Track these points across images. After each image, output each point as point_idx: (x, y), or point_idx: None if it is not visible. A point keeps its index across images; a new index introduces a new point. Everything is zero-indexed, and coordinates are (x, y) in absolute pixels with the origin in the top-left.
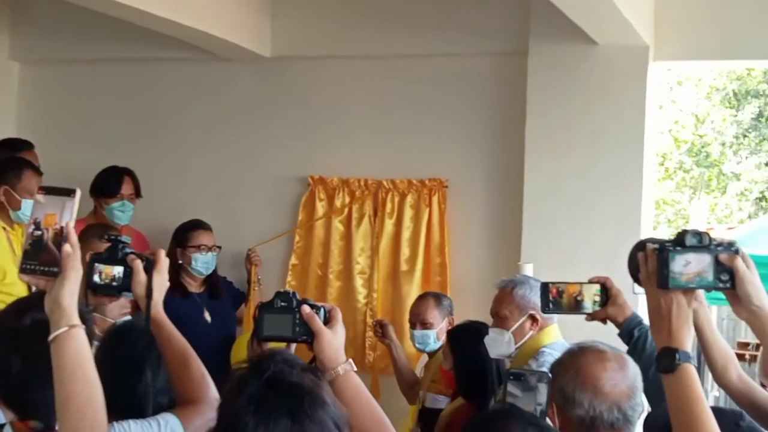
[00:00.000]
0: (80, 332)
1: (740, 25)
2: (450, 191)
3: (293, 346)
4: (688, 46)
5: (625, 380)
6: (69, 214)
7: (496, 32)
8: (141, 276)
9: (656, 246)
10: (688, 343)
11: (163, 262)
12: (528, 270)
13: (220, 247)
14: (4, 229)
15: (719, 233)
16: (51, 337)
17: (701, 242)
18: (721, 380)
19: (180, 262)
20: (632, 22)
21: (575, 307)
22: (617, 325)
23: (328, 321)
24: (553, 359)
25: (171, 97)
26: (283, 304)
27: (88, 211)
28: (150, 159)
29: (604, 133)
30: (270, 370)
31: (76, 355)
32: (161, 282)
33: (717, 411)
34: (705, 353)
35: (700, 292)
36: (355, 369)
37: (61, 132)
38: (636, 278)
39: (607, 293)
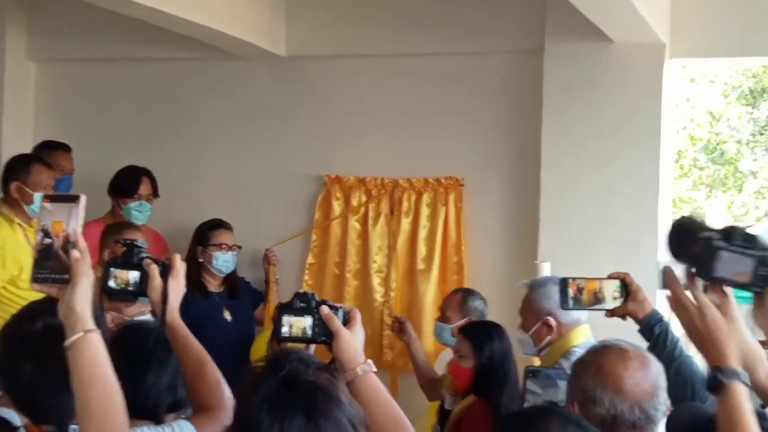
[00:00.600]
0: (96, 336)
1: (756, 22)
2: (466, 190)
3: (312, 346)
4: (704, 43)
5: (647, 379)
6: (75, 220)
7: (512, 30)
8: (157, 281)
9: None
10: (733, 356)
11: (180, 268)
12: (545, 268)
13: (240, 247)
14: (20, 226)
15: None
16: (67, 342)
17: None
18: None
19: (201, 260)
20: (648, 19)
21: (595, 303)
22: (637, 321)
23: (347, 322)
24: None
25: (187, 96)
26: (302, 305)
27: (106, 211)
28: (167, 158)
29: (621, 131)
30: (285, 369)
31: (93, 360)
32: (177, 287)
33: None
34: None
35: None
36: (374, 369)
37: (78, 132)
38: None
39: (627, 289)
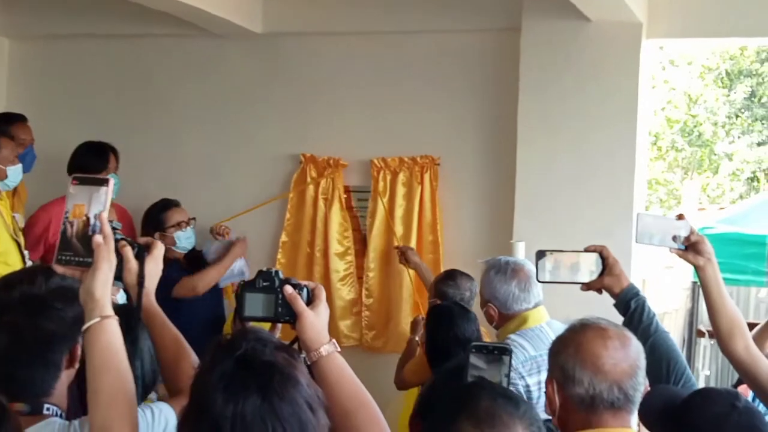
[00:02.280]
0: (113, 323)
1: (733, 3)
2: (442, 168)
3: (278, 326)
4: (681, 23)
5: (626, 359)
6: (101, 204)
7: (489, 9)
8: (132, 264)
9: None
10: None
11: (158, 251)
12: (520, 248)
13: (194, 219)
14: None
15: (711, 213)
16: (84, 327)
17: None
18: (725, 348)
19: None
20: None
21: (572, 275)
22: (613, 295)
23: (311, 301)
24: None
25: (162, 73)
26: (265, 283)
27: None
28: (142, 136)
29: (597, 111)
30: (242, 348)
31: (108, 347)
32: (155, 270)
33: (710, 392)
34: (710, 316)
35: (709, 247)
36: (339, 350)
37: (52, 108)
38: None
39: (604, 262)
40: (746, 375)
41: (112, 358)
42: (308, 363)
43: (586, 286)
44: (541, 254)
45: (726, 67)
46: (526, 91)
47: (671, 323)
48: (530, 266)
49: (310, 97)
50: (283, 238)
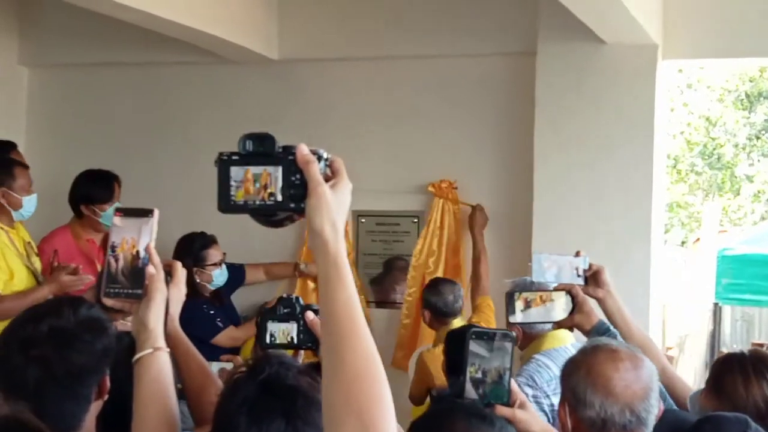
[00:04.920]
0: (164, 356)
1: (749, 23)
2: (460, 192)
3: (301, 351)
4: (697, 43)
5: (638, 381)
6: (149, 235)
7: (504, 33)
8: None
9: None
10: None
11: (180, 275)
12: None
13: (225, 254)
14: (3, 229)
15: (732, 235)
16: (135, 357)
17: None
18: None
19: (199, 280)
20: (640, 20)
21: (544, 315)
22: (584, 333)
23: None
24: (537, 366)
25: (179, 100)
26: (286, 310)
27: (68, 217)
28: (158, 163)
29: (613, 132)
30: (265, 373)
31: (158, 377)
32: (177, 296)
33: (720, 419)
34: None
35: (607, 279)
36: None
37: (71, 137)
38: None
39: (573, 301)
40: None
41: (160, 389)
42: None
43: (557, 325)
44: (510, 295)
45: (745, 89)
46: (542, 113)
47: (692, 346)
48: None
49: (326, 122)
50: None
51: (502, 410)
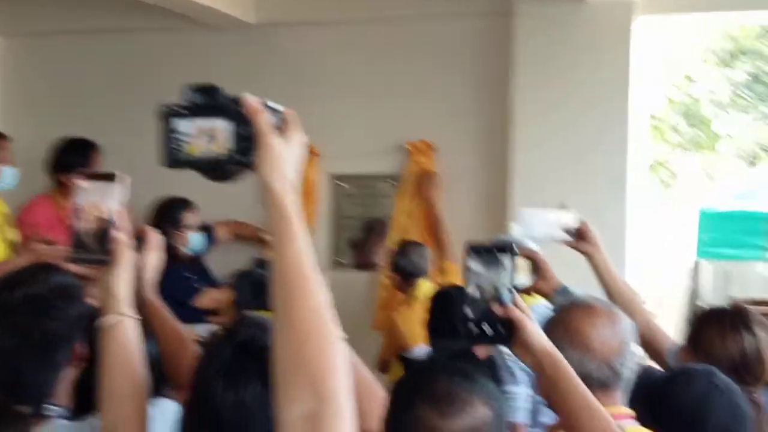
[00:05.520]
0: (131, 323)
1: None
2: (437, 153)
3: None
4: None
5: (615, 336)
6: (115, 199)
7: None
8: None
9: None
10: None
11: (155, 241)
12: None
13: (205, 222)
14: None
15: (712, 191)
16: (101, 325)
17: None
18: None
19: (175, 244)
20: None
21: None
22: (547, 298)
23: None
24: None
25: (154, 67)
26: (262, 271)
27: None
28: (133, 131)
29: (590, 90)
30: (242, 335)
31: (125, 345)
32: (153, 262)
33: (691, 371)
34: (607, 298)
35: (594, 234)
36: (344, 336)
37: (46, 105)
38: None
39: (534, 266)
40: (649, 349)
41: (127, 357)
42: None
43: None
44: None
45: (726, 46)
46: (519, 73)
47: (672, 303)
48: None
49: (304, 86)
50: None
51: (513, 312)
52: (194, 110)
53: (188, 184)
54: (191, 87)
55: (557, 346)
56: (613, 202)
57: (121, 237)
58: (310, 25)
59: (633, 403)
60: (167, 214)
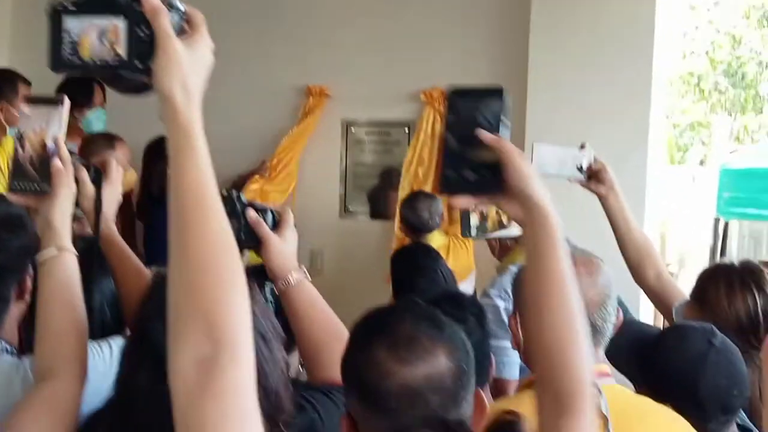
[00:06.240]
0: (70, 257)
1: None
2: None
3: (245, 254)
4: None
5: (593, 287)
6: (58, 126)
7: None
8: (88, 188)
9: None
10: None
11: (115, 174)
12: None
13: None
14: None
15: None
16: (39, 259)
17: None
18: (636, 277)
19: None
20: None
21: (500, 228)
22: None
23: (277, 225)
24: (511, 277)
25: None
26: (226, 208)
27: None
28: None
29: (613, 39)
30: None
31: (63, 281)
32: (112, 195)
33: (685, 329)
34: (619, 246)
35: (611, 176)
36: (309, 278)
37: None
38: None
39: None
40: (658, 303)
41: (65, 292)
42: (277, 293)
43: (515, 240)
44: (465, 210)
45: None
46: (538, 18)
47: (694, 261)
48: None
49: (317, 27)
50: None
51: (499, 141)
52: (87, 6)
53: None
54: (240, 200)
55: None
56: (635, 153)
57: (61, 166)
58: None
59: (623, 361)
60: (157, 152)
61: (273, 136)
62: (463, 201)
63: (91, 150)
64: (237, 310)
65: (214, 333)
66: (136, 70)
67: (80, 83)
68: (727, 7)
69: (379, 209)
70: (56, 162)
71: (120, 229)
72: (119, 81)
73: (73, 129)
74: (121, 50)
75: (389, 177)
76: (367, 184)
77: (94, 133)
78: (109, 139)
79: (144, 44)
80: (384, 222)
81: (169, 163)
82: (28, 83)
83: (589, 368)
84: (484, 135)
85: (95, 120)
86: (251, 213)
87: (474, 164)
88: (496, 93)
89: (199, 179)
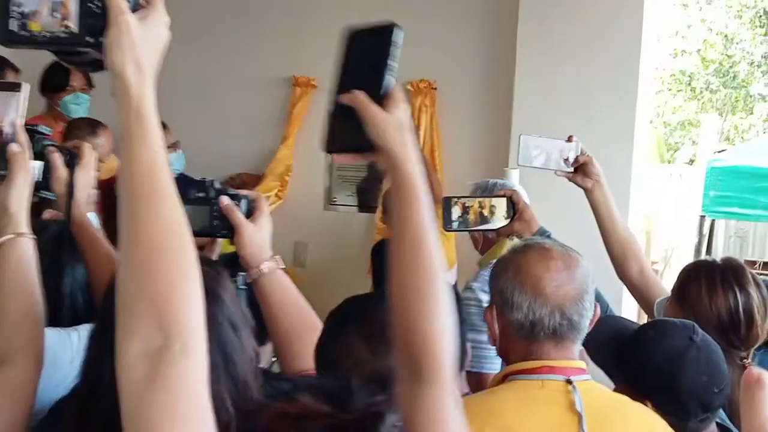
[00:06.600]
0: (27, 242)
1: None
2: (439, 93)
3: (218, 241)
4: None
5: (571, 282)
6: (15, 111)
7: None
8: (61, 172)
9: None
10: None
11: (89, 158)
12: (514, 176)
13: (178, 141)
14: None
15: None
16: None
17: None
18: (619, 271)
19: None
20: None
21: (482, 222)
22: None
23: (251, 212)
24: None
25: None
26: (199, 194)
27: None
28: None
29: (600, 32)
30: None
31: (19, 266)
32: (85, 180)
33: (665, 324)
34: (603, 240)
35: (597, 169)
36: (283, 267)
37: None
38: None
39: (514, 207)
40: (641, 298)
41: (22, 279)
42: (249, 281)
43: (497, 233)
44: (447, 201)
45: (764, 5)
46: (526, 14)
47: (679, 260)
48: (520, 189)
49: (305, 16)
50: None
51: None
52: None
53: (181, 105)
54: (194, 182)
55: (506, 290)
56: (621, 151)
57: (18, 150)
58: None
59: (600, 356)
60: None
61: (260, 126)
62: (343, 159)
63: (74, 135)
64: (189, 299)
65: (164, 323)
66: (87, 44)
67: (57, 68)
68: (719, 6)
69: (367, 201)
70: (13, 146)
71: (102, 217)
72: (74, 56)
73: (53, 113)
74: (72, 24)
75: (378, 169)
76: (352, 176)
77: (77, 119)
78: (92, 125)
79: (96, 18)
80: (369, 214)
81: (121, 145)
82: (16, 70)
83: (448, 337)
84: (343, 97)
85: (73, 105)
86: (224, 199)
87: (353, 122)
88: (386, 30)
89: (150, 161)
